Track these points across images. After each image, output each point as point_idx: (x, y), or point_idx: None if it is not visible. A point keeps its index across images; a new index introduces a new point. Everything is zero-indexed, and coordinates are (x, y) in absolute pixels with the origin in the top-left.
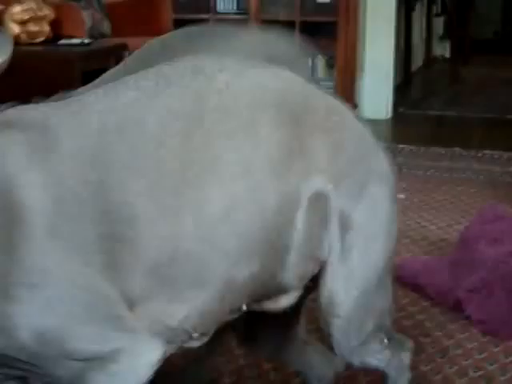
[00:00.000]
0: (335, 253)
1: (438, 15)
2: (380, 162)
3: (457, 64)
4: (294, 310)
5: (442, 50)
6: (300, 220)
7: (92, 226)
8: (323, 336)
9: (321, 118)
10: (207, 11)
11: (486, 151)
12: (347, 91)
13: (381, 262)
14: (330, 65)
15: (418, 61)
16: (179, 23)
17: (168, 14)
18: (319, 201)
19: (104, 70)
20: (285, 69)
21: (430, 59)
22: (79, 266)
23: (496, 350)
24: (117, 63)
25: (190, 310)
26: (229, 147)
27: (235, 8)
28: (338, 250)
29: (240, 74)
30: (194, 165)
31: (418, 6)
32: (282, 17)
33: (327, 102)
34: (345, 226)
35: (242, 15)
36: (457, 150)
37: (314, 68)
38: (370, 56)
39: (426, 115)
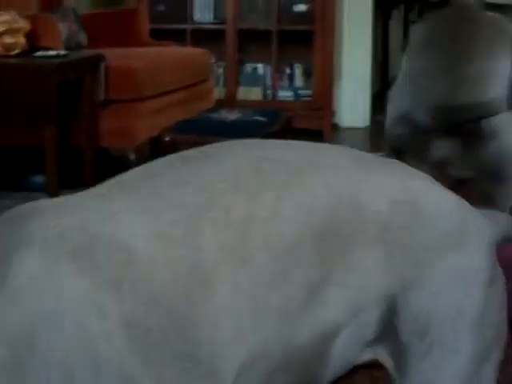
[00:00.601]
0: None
1: (414, 22)
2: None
3: None
4: None
5: None
6: (338, 347)
7: None
8: None
9: (378, 228)
10: (184, 21)
11: None
12: (325, 100)
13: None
14: (307, 73)
15: (395, 69)
16: (156, 33)
17: (145, 24)
18: (364, 324)
19: (80, 81)
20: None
21: None
22: None
23: None
24: (93, 74)
25: None
26: (271, 292)
27: (212, 17)
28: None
29: (287, 187)
30: (244, 311)
31: (394, 14)
32: (259, 26)
33: (393, 198)
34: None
35: (219, 25)
36: None
37: (291, 77)
38: (348, 64)
39: None
